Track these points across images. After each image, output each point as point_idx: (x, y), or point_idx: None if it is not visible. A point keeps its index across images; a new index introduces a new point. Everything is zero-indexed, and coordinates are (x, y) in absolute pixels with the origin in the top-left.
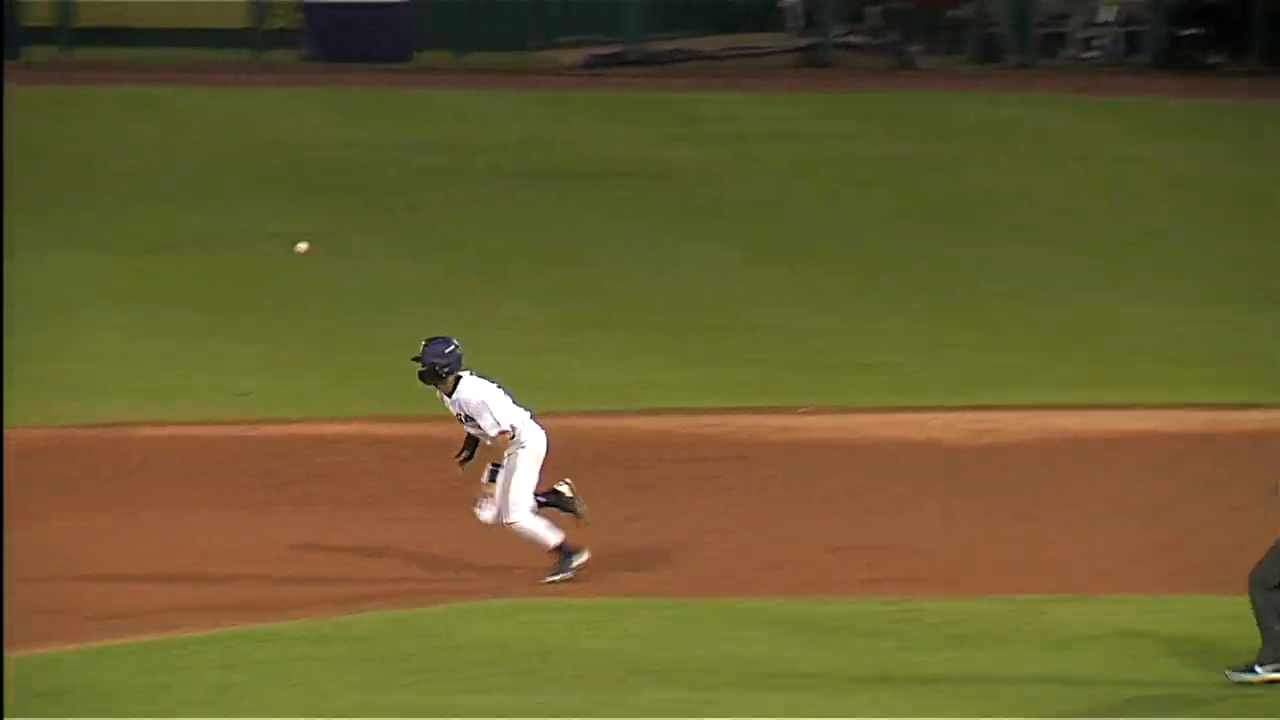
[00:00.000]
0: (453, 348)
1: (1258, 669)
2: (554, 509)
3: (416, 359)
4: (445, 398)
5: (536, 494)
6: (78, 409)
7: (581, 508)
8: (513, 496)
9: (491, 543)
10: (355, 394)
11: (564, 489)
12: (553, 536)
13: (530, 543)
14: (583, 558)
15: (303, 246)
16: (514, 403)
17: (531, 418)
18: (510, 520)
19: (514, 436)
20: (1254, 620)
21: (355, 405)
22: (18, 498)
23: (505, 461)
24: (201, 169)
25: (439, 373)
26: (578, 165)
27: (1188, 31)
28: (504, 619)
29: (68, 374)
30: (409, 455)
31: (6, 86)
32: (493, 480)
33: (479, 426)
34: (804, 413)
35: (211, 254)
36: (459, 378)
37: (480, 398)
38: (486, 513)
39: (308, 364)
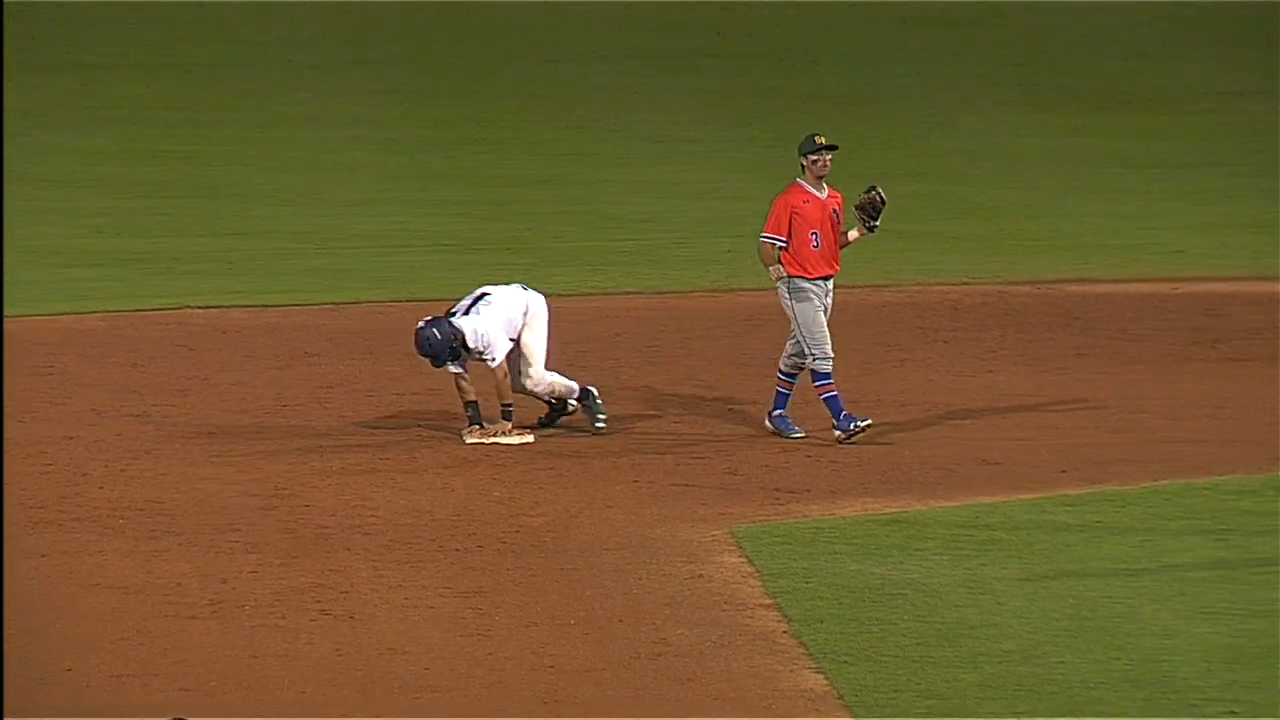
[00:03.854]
0: (446, 330)
1: None
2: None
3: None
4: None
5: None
6: (1009, 264)
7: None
8: (535, 361)
9: None
10: None
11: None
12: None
13: (553, 391)
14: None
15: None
16: (504, 284)
17: (523, 288)
18: (539, 381)
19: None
20: None
21: None
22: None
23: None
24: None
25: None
26: None
27: None
28: None
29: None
30: None
31: None
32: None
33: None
34: None
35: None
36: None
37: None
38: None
39: (1239, 222)
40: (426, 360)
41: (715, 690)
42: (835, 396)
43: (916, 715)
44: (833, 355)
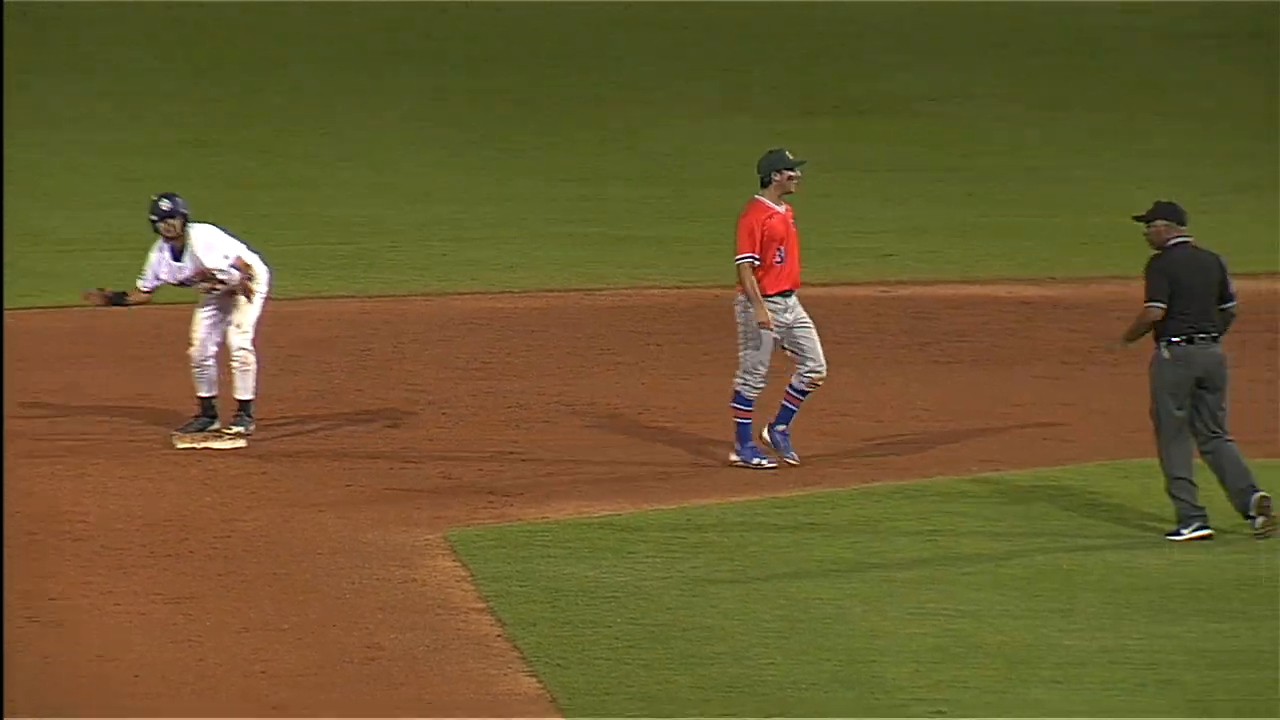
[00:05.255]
0: (181, 203)
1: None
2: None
3: (158, 212)
4: (167, 253)
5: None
6: (721, 268)
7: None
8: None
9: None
10: (991, 257)
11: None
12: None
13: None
14: None
15: None
16: (248, 248)
17: (262, 259)
18: (247, 348)
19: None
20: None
21: (993, 268)
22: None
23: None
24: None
25: (181, 214)
26: None
27: None
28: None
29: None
30: (1043, 317)
31: None
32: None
33: (212, 272)
34: None
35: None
36: (188, 222)
37: (211, 239)
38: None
39: (947, 226)
40: (155, 218)
41: (429, 694)
42: (748, 426)
43: (629, 716)
44: (764, 387)
